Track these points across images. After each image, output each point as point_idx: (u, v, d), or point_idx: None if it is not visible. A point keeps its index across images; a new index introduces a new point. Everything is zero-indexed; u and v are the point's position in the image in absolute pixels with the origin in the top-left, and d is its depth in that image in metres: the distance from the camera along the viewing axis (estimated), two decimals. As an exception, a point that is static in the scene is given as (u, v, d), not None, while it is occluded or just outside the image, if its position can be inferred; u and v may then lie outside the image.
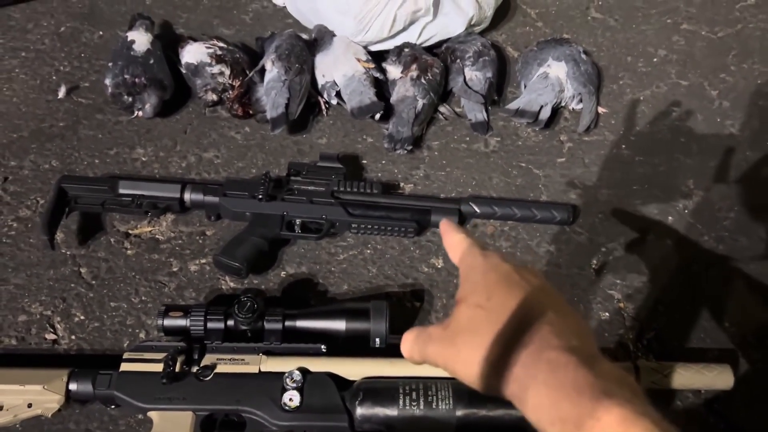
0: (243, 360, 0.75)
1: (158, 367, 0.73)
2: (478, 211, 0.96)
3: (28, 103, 1.10)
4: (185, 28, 1.26)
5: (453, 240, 0.55)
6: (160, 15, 1.26)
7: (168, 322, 0.77)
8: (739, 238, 0.97)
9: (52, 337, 0.83)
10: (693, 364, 0.77)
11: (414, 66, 1.11)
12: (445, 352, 0.49)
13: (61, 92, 1.11)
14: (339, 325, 0.78)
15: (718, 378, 0.76)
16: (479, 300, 0.48)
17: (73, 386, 0.73)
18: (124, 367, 0.74)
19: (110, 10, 1.27)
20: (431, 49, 1.21)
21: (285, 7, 1.29)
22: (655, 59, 1.25)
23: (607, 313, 0.88)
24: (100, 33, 1.23)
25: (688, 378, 0.76)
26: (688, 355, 0.84)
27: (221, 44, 1.14)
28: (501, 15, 1.31)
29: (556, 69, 1.13)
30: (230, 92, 1.09)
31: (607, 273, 0.92)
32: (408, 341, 0.52)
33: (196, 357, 0.75)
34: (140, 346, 0.77)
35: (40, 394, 0.72)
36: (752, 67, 1.24)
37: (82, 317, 0.85)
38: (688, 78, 1.22)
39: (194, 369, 0.74)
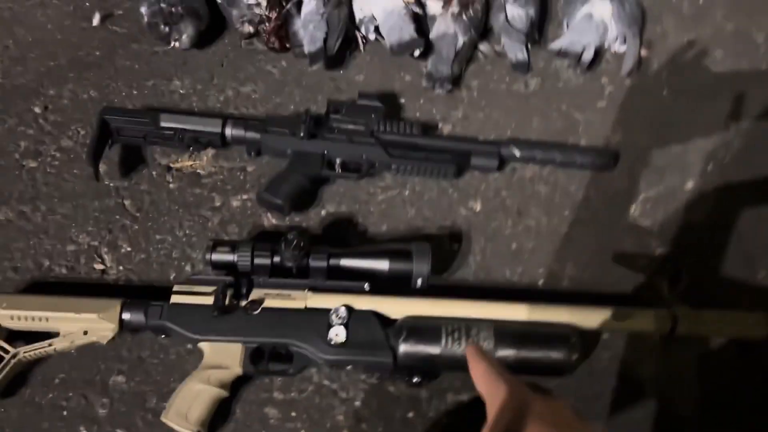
0: (290, 296, 0.77)
1: (208, 300, 0.76)
2: (518, 154, 0.95)
3: (63, 31, 1.08)
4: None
5: (479, 369, 0.57)
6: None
7: (216, 256, 0.78)
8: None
9: (101, 267, 0.85)
10: (728, 312, 0.79)
11: (455, 0, 1.08)
12: None
13: (96, 20, 1.09)
14: (382, 265, 0.79)
15: (754, 326, 0.78)
16: (507, 428, 0.51)
17: (126, 316, 0.75)
18: (175, 299, 0.77)
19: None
20: (471, -17, 1.17)
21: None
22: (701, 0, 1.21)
23: (643, 260, 0.89)
24: (132, -44, 1.20)
25: (724, 326, 0.78)
26: (722, 302, 0.85)
27: (257, -27, 1.11)
28: (542, -54, 1.26)
29: (601, 8, 1.09)
30: (267, 24, 1.06)
31: (645, 219, 0.93)
32: None
33: (243, 291, 0.77)
34: (189, 279, 0.79)
35: (95, 323, 0.75)
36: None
37: (128, 248, 0.86)
38: (734, 20, 1.18)
39: (243, 303, 0.76)
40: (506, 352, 0.74)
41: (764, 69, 1.11)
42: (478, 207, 0.93)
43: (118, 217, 0.89)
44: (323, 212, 0.92)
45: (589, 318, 0.78)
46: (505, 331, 0.75)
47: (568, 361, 0.75)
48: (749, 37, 1.16)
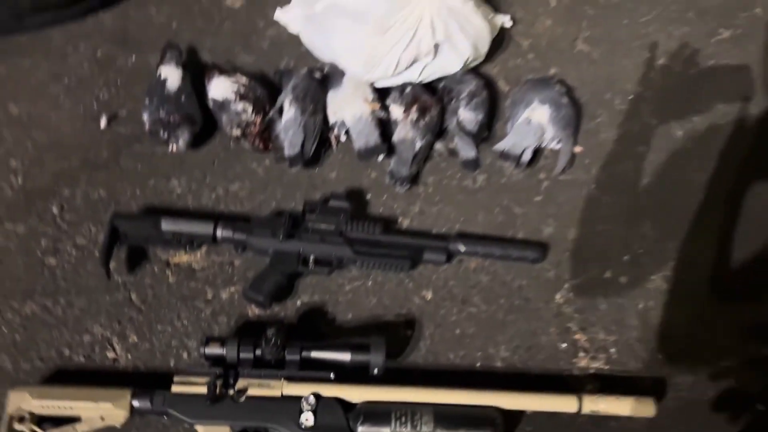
0: (269, 385, 0.95)
1: (202, 389, 0.93)
2: (462, 249, 1.13)
3: (75, 132, 1.25)
4: (211, 53, 1.37)
5: None
6: (186, 39, 1.37)
7: (209, 350, 0.96)
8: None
9: (113, 356, 1.02)
10: (622, 397, 0.98)
11: (414, 108, 1.25)
12: None
13: (103, 122, 1.26)
14: (345, 356, 0.97)
15: (643, 408, 0.97)
16: None
17: (135, 403, 0.93)
18: (175, 389, 0.94)
19: (141, 34, 1.38)
20: (430, 84, 1.34)
21: (299, 35, 1.41)
22: (631, 96, 1.38)
23: (564, 344, 1.08)
24: (134, 58, 1.35)
25: (620, 407, 0.97)
26: (630, 383, 1.03)
27: (244, 80, 1.27)
28: (496, 45, 1.42)
29: (540, 113, 1.27)
30: (252, 128, 1.23)
31: (567, 306, 1.11)
32: None
33: (231, 381, 0.95)
34: (186, 371, 0.96)
35: (110, 410, 0.92)
36: (717, 108, 1.37)
37: (135, 339, 1.04)
38: (658, 116, 1.35)
39: (230, 392, 0.94)
40: (443, 432, 0.92)
41: (681, 162, 1.29)
42: (429, 296, 1.11)
43: (126, 309, 1.06)
44: (298, 302, 1.09)
45: (514, 401, 0.96)
46: (443, 414, 0.93)
47: (494, 438, 0.93)
48: (670, 132, 1.33)
